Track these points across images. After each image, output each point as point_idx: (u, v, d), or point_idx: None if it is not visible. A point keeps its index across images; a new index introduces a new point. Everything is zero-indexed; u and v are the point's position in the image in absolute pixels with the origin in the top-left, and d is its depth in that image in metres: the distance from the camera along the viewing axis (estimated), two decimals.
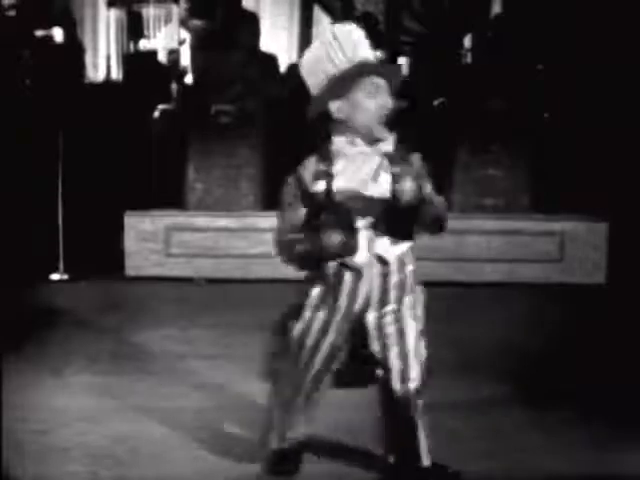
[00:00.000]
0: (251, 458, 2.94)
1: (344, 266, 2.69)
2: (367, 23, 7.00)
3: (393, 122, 2.76)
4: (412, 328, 2.81)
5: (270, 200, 6.35)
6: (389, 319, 2.76)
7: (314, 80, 2.71)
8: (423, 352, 2.85)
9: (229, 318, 4.97)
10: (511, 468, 2.95)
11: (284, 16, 10.16)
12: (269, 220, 6.20)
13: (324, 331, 2.74)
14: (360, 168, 2.68)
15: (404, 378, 2.79)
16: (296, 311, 2.78)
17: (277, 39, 9.76)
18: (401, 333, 2.78)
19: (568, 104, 6.86)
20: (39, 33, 7.84)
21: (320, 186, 2.67)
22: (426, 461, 2.83)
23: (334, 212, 2.66)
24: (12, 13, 7.71)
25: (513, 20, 7.25)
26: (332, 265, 2.70)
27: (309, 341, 2.75)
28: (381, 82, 2.70)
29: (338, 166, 2.68)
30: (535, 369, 4.09)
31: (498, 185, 6.41)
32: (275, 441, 2.87)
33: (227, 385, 3.77)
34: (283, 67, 7.85)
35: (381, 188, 2.66)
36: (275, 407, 2.86)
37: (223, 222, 6.17)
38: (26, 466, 2.91)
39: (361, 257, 2.69)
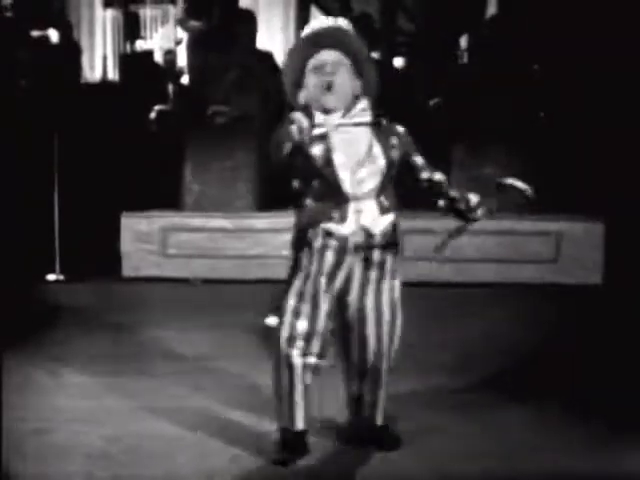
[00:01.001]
0: (249, 458, 2.95)
1: (330, 236, 2.77)
2: (363, 23, 7.01)
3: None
4: (388, 309, 2.90)
5: (266, 201, 6.36)
6: (369, 299, 2.87)
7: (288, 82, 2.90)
8: (397, 334, 2.96)
9: (226, 319, 4.97)
10: (510, 468, 2.96)
11: (280, 17, 10.18)
12: (265, 221, 6.26)
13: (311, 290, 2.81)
14: (354, 144, 2.78)
15: (379, 355, 2.94)
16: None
17: (274, 40, 9.77)
18: (378, 315, 2.89)
19: (564, 104, 6.88)
20: (35, 34, 7.85)
21: (317, 151, 2.74)
22: (379, 420, 3.03)
23: (327, 181, 2.74)
24: (9, 14, 7.71)
25: (509, 20, 7.27)
26: (317, 237, 2.77)
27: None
28: (328, 56, 2.79)
29: (334, 139, 2.75)
30: (533, 369, 4.10)
31: (494, 185, 6.41)
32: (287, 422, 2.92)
33: (225, 385, 3.77)
34: (280, 67, 7.85)
35: (376, 162, 2.79)
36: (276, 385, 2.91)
37: (219, 223, 6.18)
38: (24, 466, 2.91)
39: (348, 228, 2.78)
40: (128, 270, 6.16)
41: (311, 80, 2.80)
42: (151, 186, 6.52)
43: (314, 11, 9.34)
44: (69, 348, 4.42)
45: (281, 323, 2.84)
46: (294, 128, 2.59)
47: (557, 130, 6.74)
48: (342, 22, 2.85)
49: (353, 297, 2.88)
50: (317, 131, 2.71)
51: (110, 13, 11.22)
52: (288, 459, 2.90)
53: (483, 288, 5.87)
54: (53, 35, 8.08)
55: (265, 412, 3.35)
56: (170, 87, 8.75)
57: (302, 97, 2.81)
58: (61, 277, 6.15)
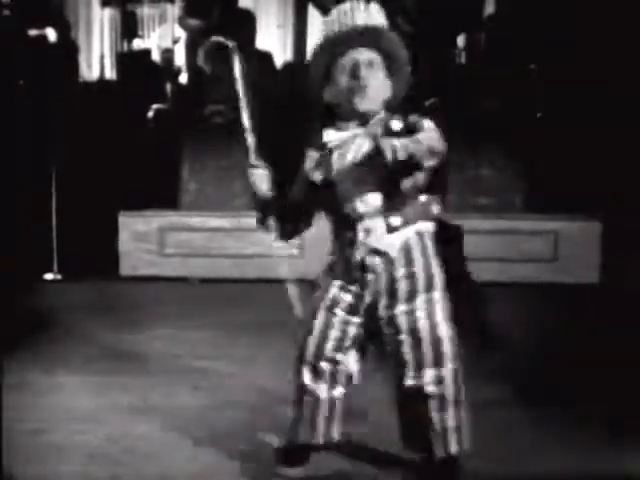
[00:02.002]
0: (248, 458, 2.95)
1: (351, 260, 2.61)
2: None
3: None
4: (426, 329, 2.63)
5: None
6: (402, 320, 2.63)
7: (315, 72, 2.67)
8: (445, 351, 2.69)
9: (223, 318, 4.97)
10: (510, 468, 2.95)
11: (279, 15, 10.17)
12: None
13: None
14: (348, 149, 2.62)
15: (418, 370, 2.64)
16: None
17: (272, 38, 9.77)
18: (414, 335, 2.63)
19: (561, 104, 6.88)
20: (33, 33, 7.84)
21: (317, 175, 2.65)
22: (440, 452, 2.69)
23: (332, 199, 2.61)
24: (6, 13, 7.71)
25: (506, 20, 7.27)
26: (346, 258, 2.62)
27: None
28: (359, 55, 2.59)
29: (334, 156, 2.63)
30: (532, 368, 4.10)
31: (492, 185, 6.43)
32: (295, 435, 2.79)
33: (223, 385, 3.77)
34: (278, 66, 7.85)
35: (378, 174, 2.56)
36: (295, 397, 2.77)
37: (217, 222, 6.18)
38: (21, 466, 2.90)
39: (361, 252, 2.61)
40: (126, 269, 6.16)
41: (343, 80, 2.60)
42: (149, 185, 6.51)
43: (312, 10, 9.33)
44: (66, 347, 4.41)
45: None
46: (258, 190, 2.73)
47: (555, 130, 6.74)
48: (378, 18, 2.65)
49: (384, 320, 2.65)
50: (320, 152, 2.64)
51: (108, 12, 11.22)
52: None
53: (482, 287, 5.86)
54: (51, 34, 8.08)
55: (264, 412, 3.36)
56: (168, 86, 8.75)
57: (329, 95, 2.64)
58: (59, 276, 6.15)
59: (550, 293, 5.74)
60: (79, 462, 2.96)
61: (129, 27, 10.82)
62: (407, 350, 2.63)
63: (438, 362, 2.66)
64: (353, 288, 2.65)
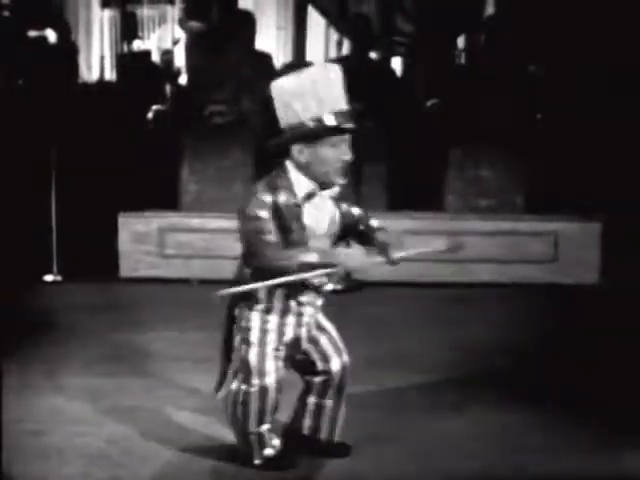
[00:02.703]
0: (246, 459, 2.95)
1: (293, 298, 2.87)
2: (360, 24, 7.01)
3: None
4: (330, 326, 3.01)
5: None
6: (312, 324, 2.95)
7: (283, 112, 2.81)
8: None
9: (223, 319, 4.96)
10: (510, 468, 2.96)
11: (279, 17, 10.17)
12: None
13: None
14: (321, 213, 2.84)
15: (339, 352, 2.98)
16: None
17: (271, 40, 9.77)
18: (321, 329, 2.98)
19: (561, 104, 6.88)
20: (33, 34, 7.85)
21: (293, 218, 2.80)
22: (336, 437, 3.03)
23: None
24: (6, 13, 7.71)
25: (506, 20, 7.27)
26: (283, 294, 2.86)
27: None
28: (347, 136, 2.82)
29: (309, 208, 2.81)
30: (532, 368, 4.10)
31: (492, 186, 6.42)
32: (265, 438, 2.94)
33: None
34: (278, 68, 7.85)
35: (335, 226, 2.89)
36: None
37: (217, 223, 6.16)
38: (22, 467, 2.90)
39: (310, 296, 2.88)
40: (126, 271, 6.15)
41: (327, 153, 2.78)
42: (149, 186, 6.51)
43: (311, 12, 9.33)
44: (66, 349, 4.41)
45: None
46: None
47: (554, 131, 6.74)
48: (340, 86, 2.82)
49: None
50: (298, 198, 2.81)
51: (108, 13, 11.22)
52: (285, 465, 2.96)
53: (482, 288, 5.87)
54: (51, 35, 8.08)
55: None
56: (168, 87, 8.75)
57: (298, 152, 2.80)
58: (58, 278, 6.14)
59: (550, 294, 5.74)
60: (79, 463, 2.96)
61: (129, 28, 10.83)
62: (324, 342, 2.98)
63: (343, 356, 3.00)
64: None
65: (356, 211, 3.00)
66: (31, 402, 3.58)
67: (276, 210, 2.77)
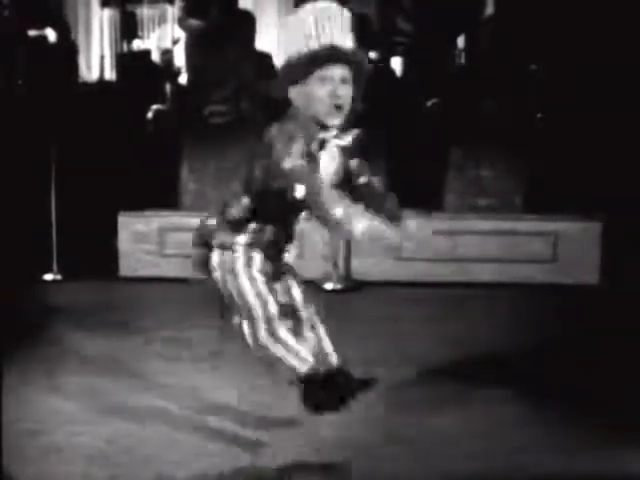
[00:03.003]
0: (247, 459, 2.95)
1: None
2: (360, 24, 7.00)
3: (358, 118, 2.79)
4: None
5: None
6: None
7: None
8: None
9: (224, 319, 4.96)
10: (510, 468, 2.95)
11: (279, 16, 10.17)
12: None
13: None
14: (330, 163, 2.75)
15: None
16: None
17: (272, 39, 9.77)
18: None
19: (561, 104, 6.88)
20: (33, 33, 7.84)
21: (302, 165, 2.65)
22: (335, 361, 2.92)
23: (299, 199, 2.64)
24: (6, 13, 7.71)
25: (506, 20, 7.27)
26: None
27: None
28: (338, 71, 2.70)
29: (324, 157, 2.73)
30: (532, 368, 4.10)
31: (492, 185, 6.42)
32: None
33: (222, 386, 3.77)
34: (278, 67, 7.85)
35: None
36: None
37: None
38: (21, 467, 2.90)
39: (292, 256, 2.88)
40: (125, 270, 6.15)
41: (316, 90, 2.70)
42: (148, 186, 6.51)
43: None
44: (66, 348, 4.41)
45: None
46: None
47: (555, 130, 6.74)
48: (348, 32, 2.75)
49: None
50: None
51: (107, 12, 11.23)
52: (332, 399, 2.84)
53: (482, 288, 5.87)
54: (50, 35, 8.08)
55: (263, 413, 3.36)
56: (167, 87, 8.75)
57: (295, 95, 2.74)
58: (58, 277, 6.14)
59: (550, 294, 5.74)
60: (78, 463, 2.96)
61: (129, 28, 10.84)
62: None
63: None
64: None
65: (358, 163, 2.86)
66: (29, 401, 3.58)
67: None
